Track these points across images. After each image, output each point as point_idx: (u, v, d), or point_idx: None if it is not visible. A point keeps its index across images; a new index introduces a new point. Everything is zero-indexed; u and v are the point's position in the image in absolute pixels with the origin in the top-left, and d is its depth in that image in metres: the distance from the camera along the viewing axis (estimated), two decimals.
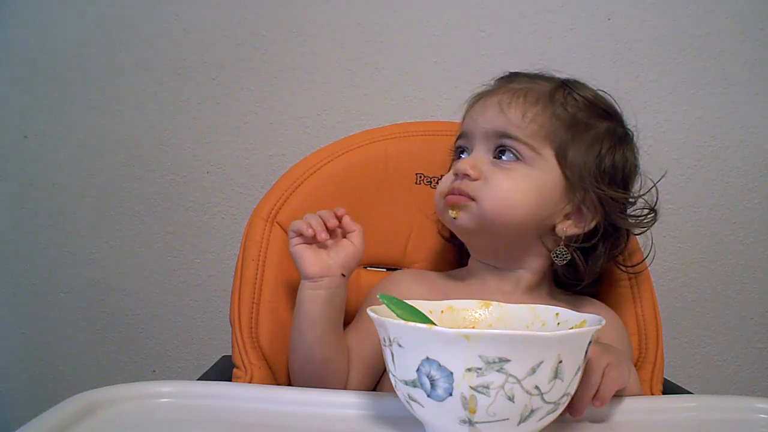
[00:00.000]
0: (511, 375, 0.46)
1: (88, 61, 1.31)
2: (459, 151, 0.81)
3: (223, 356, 0.94)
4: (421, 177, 0.88)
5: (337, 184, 0.86)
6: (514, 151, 0.74)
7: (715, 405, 0.64)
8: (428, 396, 0.48)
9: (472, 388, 0.46)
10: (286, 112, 1.31)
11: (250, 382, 0.74)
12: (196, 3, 1.29)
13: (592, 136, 0.76)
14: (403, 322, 0.49)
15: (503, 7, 1.30)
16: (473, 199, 0.73)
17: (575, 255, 0.76)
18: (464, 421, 0.48)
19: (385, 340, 0.51)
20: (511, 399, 0.47)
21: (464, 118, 0.82)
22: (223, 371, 0.85)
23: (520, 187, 0.73)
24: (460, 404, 0.47)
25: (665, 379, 0.84)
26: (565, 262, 0.76)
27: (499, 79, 0.82)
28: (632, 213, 0.79)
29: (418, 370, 0.48)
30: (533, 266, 0.78)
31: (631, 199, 0.78)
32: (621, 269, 0.83)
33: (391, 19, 1.30)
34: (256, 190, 1.29)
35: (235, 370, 0.76)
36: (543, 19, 1.30)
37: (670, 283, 1.37)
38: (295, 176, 0.85)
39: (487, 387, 0.46)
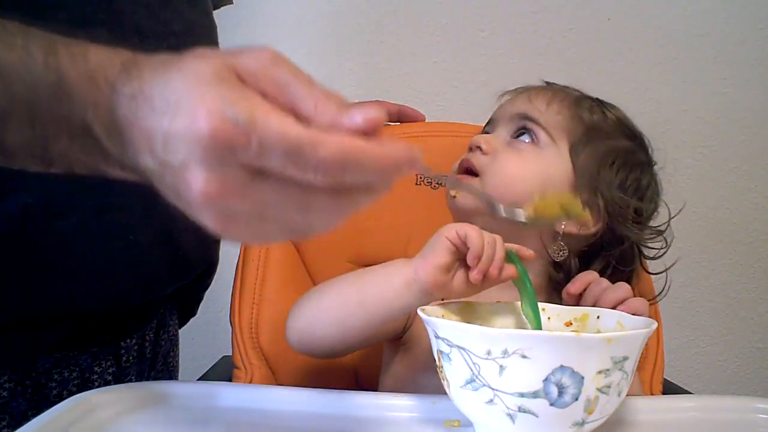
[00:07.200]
0: (625, 372, 0.48)
1: None
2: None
3: (223, 356, 0.94)
4: (421, 177, 0.88)
5: None
6: (532, 134, 0.74)
7: (715, 405, 0.64)
8: (551, 405, 0.46)
9: (598, 389, 0.47)
10: None
11: (250, 382, 0.74)
12: None
13: (610, 146, 0.75)
14: (545, 332, 0.47)
15: (503, 7, 1.30)
16: (477, 175, 0.73)
17: (571, 258, 0.75)
18: (577, 424, 0.48)
19: (489, 353, 0.46)
20: (619, 394, 0.48)
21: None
22: (223, 371, 0.85)
23: (527, 168, 0.73)
24: (583, 408, 0.47)
25: (665, 379, 0.84)
26: (562, 258, 0.74)
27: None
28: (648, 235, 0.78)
29: (546, 379, 0.46)
30: (535, 268, 0.76)
31: (648, 230, 0.77)
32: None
33: (391, 19, 1.30)
34: None
35: (235, 370, 0.76)
36: (543, 19, 1.30)
37: (670, 283, 1.36)
38: None
39: (609, 386, 0.47)
